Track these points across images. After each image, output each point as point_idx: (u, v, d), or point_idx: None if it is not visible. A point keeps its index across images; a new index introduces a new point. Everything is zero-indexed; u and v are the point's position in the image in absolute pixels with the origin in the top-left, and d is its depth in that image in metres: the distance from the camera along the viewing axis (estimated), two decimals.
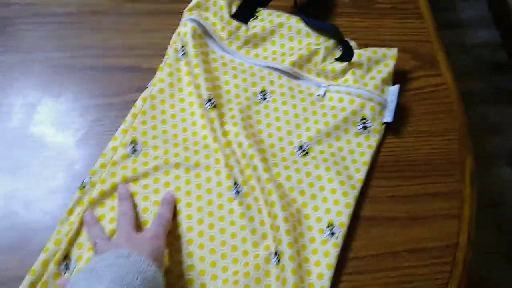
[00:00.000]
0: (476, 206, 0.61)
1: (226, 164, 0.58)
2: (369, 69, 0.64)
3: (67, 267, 0.51)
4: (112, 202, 0.55)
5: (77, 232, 0.53)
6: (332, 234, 0.55)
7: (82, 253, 0.52)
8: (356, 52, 0.64)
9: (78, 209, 0.54)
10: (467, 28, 1.76)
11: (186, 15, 0.65)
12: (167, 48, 0.65)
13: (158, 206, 0.54)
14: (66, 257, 0.52)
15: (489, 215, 1.44)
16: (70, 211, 0.54)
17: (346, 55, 0.64)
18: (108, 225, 0.53)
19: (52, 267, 0.50)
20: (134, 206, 0.54)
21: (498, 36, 1.75)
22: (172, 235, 0.54)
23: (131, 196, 0.55)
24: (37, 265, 0.50)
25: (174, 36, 0.65)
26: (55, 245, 0.52)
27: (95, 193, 0.55)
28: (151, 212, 0.55)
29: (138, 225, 0.53)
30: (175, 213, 0.55)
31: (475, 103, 1.59)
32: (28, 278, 0.49)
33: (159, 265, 0.46)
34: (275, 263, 0.53)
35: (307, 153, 0.60)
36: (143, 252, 0.45)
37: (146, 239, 0.48)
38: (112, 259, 0.43)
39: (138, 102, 0.61)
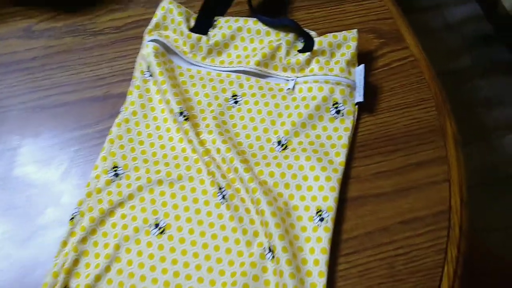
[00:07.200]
0: (464, 167, 0.60)
1: (208, 171, 0.59)
2: (332, 54, 0.65)
3: None
4: (95, 236, 0.56)
5: (74, 262, 0.53)
6: (322, 219, 0.55)
7: (80, 282, 0.53)
8: (317, 40, 0.65)
9: (72, 240, 0.55)
10: (446, 7, 1.76)
11: (147, 37, 0.67)
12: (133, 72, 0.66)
13: None
14: (65, 287, 0.52)
15: (506, 188, 1.42)
16: (64, 243, 0.55)
17: (308, 46, 0.65)
18: (94, 260, 0.54)
19: None
20: None
21: (479, 8, 1.75)
22: (165, 249, 0.55)
23: None
24: None
25: (138, 58, 0.67)
26: (54, 277, 0.52)
27: (85, 221, 0.55)
28: (141, 231, 0.56)
29: None
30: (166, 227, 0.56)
31: (468, 79, 1.59)
32: None
33: None
34: (270, 258, 0.53)
35: (286, 147, 0.61)
36: None
37: None
38: None
39: (113, 128, 0.62)
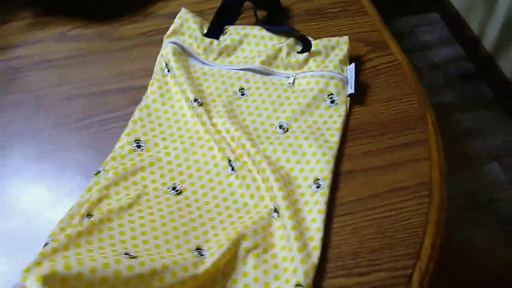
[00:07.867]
0: (442, 149, 0.69)
1: (219, 148, 0.67)
2: (327, 55, 0.75)
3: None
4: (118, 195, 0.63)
5: (98, 200, 0.61)
6: (318, 186, 0.63)
7: (102, 214, 0.59)
8: (314, 42, 0.75)
9: (96, 186, 0.62)
10: (431, 49, 1.91)
11: (166, 40, 0.77)
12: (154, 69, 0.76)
13: None
14: (88, 215, 0.59)
15: (488, 211, 1.50)
16: (89, 189, 0.62)
17: (306, 47, 0.75)
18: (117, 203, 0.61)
19: (77, 218, 0.58)
20: None
21: (461, 49, 1.89)
22: (181, 205, 0.62)
23: None
24: (65, 217, 0.58)
25: (158, 58, 0.77)
26: (78, 206, 0.60)
27: (110, 174, 0.63)
28: (160, 191, 0.63)
29: None
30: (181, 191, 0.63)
31: (451, 113, 1.70)
32: (58, 224, 0.58)
33: None
34: (276, 216, 0.61)
35: (287, 130, 0.70)
36: None
37: None
38: None
39: (136, 112, 0.71)
